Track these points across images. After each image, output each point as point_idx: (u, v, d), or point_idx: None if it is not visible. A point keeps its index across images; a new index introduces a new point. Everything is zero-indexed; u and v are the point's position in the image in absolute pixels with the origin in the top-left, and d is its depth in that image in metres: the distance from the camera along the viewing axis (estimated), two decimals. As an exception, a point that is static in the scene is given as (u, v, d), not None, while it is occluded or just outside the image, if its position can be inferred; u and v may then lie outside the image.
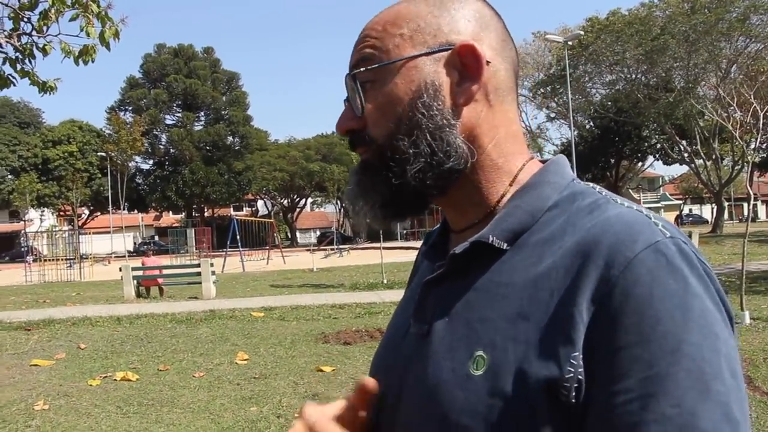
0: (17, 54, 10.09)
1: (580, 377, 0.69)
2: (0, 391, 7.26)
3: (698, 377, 0.65)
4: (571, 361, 0.69)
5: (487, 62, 0.84)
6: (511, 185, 0.86)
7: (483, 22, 0.87)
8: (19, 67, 10.19)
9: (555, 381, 0.69)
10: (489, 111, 0.86)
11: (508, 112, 0.87)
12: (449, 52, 0.84)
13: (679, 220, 60.02)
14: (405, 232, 65.62)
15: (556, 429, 0.70)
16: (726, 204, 51.21)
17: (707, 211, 79.01)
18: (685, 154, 46.91)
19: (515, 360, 0.72)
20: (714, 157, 42.77)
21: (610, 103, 48.86)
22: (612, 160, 59.41)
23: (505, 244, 0.81)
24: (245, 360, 8.32)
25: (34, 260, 33.23)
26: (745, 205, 42.74)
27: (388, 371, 0.90)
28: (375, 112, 0.86)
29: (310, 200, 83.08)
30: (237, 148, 69.68)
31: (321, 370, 7.53)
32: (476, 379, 0.74)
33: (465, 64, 0.84)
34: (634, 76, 42.32)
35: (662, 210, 73.94)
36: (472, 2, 0.88)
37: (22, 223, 65.44)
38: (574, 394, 0.69)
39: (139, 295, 18.53)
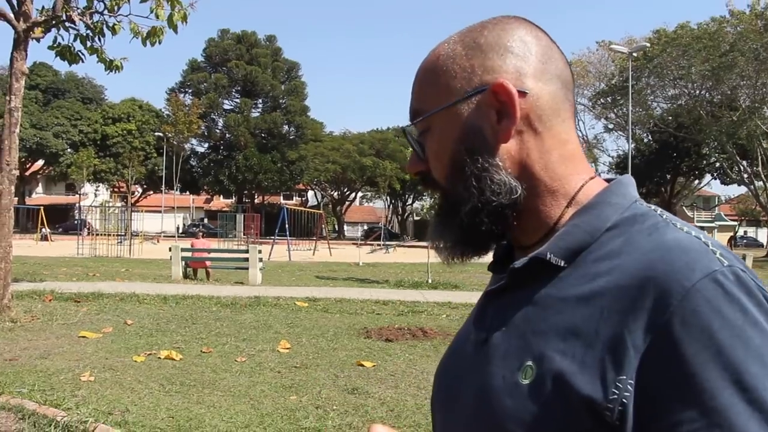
0: (88, 31, 10.35)
1: (625, 401, 0.70)
2: (49, 359, 7.43)
3: (760, 407, 0.65)
4: (617, 384, 0.70)
5: (524, 93, 0.85)
6: (569, 206, 0.87)
7: (517, 52, 0.87)
8: (88, 44, 10.48)
9: (597, 400, 0.71)
10: (536, 139, 0.87)
11: (559, 134, 0.88)
12: (484, 92, 0.86)
13: (733, 241, 58.52)
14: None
15: None
16: (784, 229, 49.88)
17: (763, 235, 77.10)
18: (745, 175, 45.80)
19: (561, 373, 0.74)
20: (775, 180, 41.62)
21: (670, 117, 48.04)
22: (668, 176, 58.45)
23: (563, 262, 0.82)
24: (287, 349, 8.37)
25: (88, 233, 34.01)
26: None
27: (449, 374, 0.96)
28: (432, 159, 0.92)
29: (360, 194, 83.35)
30: (292, 137, 70.26)
31: (362, 365, 7.53)
32: (523, 388, 0.77)
33: (501, 102, 0.85)
34: (698, 92, 41.51)
35: (716, 230, 72.40)
36: (506, 31, 0.89)
37: (77, 196, 66.96)
38: (617, 416, 0.70)
39: (186, 276, 18.81)
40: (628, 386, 0.70)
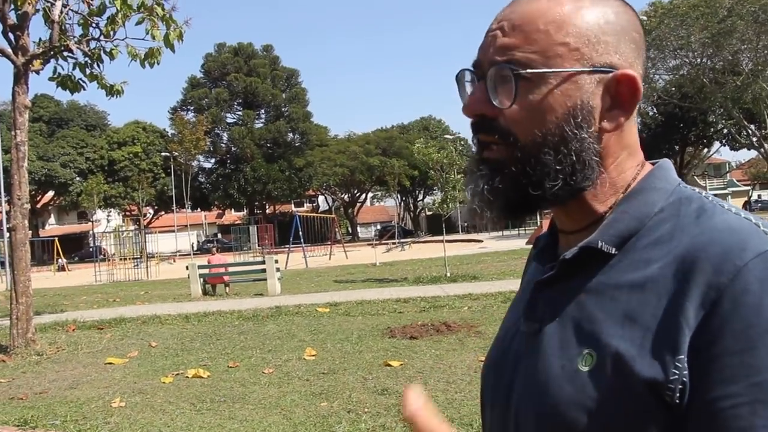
0: (86, 59, 10.38)
1: (684, 380, 0.71)
2: (79, 389, 7.46)
3: None
4: (677, 364, 0.71)
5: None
6: (618, 194, 0.87)
7: (639, 47, 0.86)
8: (88, 71, 10.51)
9: (659, 382, 0.72)
10: (620, 135, 0.86)
11: (632, 128, 0.88)
12: (610, 75, 0.83)
13: (748, 206, 58.15)
14: (466, 225, 65.37)
15: (662, 428, 0.73)
16: (798, 189, 49.55)
17: (777, 197, 76.56)
18: (754, 139, 45.45)
19: (621, 358, 0.75)
20: (785, 141, 41.36)
21: (674, 88, 47.78)
22: (676, 147, 58.23)
23: (614, 249, 0.82)
24: (313, 356, 8.37)
25: (102, 260, 34.17)
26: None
27: (499, 367, 0.95)
28: (522, 113, 0.83)
29: (370, 195, 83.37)
30: (297, 144, 70.33)
31: (389, 365, 7.52)
32: (584, 375, 0.78)
33: (619, 92, 0.83)
34: (699, 60, 41.20)
35: (729, 197, 71.97)
36: (633, 19, 0.86)
37: (90, 224, 67.30)
38: (678, 395, 0.71)
39: (205, 292, 18.84)
40: (686, 365, 0.71)
